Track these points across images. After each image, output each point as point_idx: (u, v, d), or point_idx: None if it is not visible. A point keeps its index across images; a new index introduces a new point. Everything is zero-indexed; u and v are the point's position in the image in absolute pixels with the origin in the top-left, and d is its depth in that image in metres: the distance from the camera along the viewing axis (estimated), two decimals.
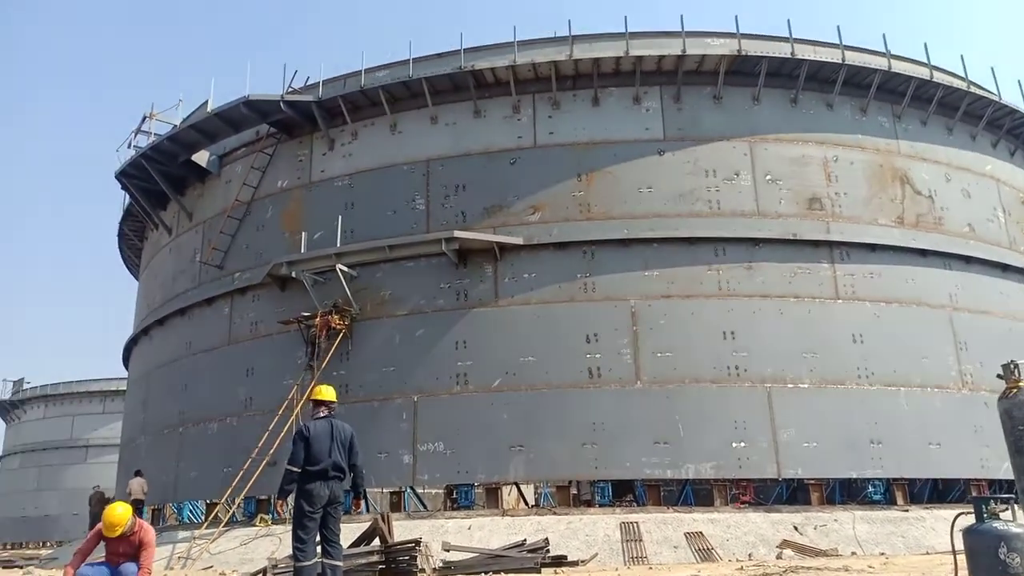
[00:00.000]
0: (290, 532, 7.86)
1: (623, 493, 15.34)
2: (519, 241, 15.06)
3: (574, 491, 15.93)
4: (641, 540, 12.08)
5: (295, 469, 7.46)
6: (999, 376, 8.54)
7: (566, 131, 15.90)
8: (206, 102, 18.32)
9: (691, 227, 15.00)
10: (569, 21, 15.94)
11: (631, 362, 14.30)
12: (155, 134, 19.49)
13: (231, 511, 14.98)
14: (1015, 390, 8.11)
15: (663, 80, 16.03)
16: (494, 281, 15.15)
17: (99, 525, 7.08)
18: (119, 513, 6.98)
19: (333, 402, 7.96)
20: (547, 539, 11.62)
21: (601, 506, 13.82)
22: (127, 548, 7.10)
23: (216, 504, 15.54)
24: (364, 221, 16.16)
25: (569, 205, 15.34)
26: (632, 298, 14.68)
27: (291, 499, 7.71)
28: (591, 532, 12.47)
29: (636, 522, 12.58)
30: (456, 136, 16.32)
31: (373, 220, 16.10)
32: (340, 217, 16.03)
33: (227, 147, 19.07)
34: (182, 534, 14.97)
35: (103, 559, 7.21)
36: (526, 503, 20.01)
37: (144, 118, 19.97)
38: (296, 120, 17.39)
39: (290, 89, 17.32)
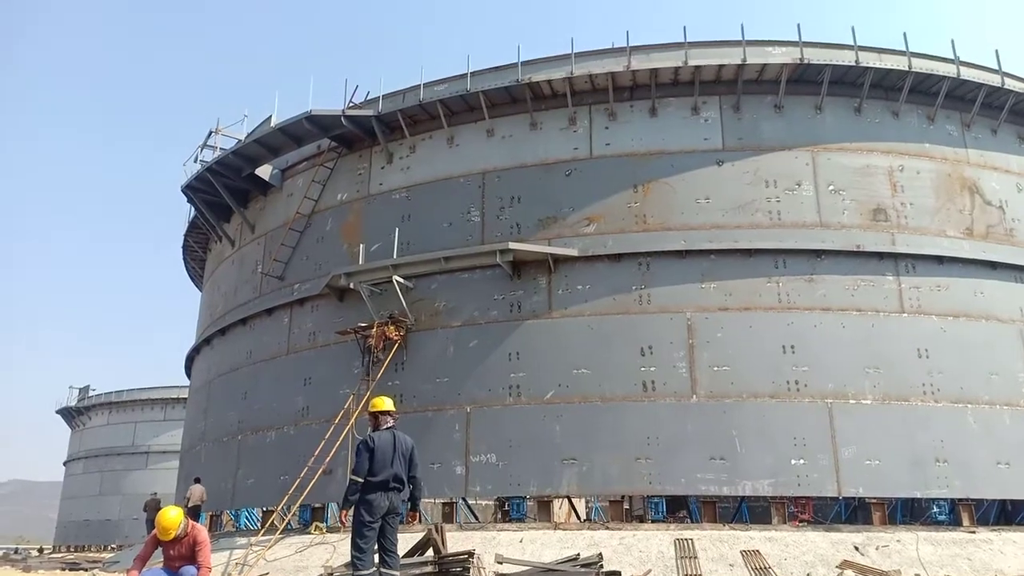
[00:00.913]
0: (344, 540, 7.99)
1: (676, 509, 15.12)
2: (574, 252, 15.01)
3: (626, 506, 15.74)
4: (696, 557, 11.84)
5: (359, 479, 7.56)
6: None
7: (622, 142, 15.83)
8: (270, 117, 18.81)
9: (750, 238, 14.75)
10: (627, 32, 15.89)
11: (687, 375, 14.09)
12: (220, 148, 20.08)
13: (287, 519, 15.21)
14: None
15: (722, 90, 15.85)
16: (548, 293, 15.13)
17: (155, 530, 7.29)
18: (171, 517, 7.16)
19: (396, 412, 8.07)
20: (600, 554, 11.50)
21: (654, 522, 13.63)
22: (182, 550, 7.27)
23: (272, 511, 15.79)
24: (420, 233, 16.35)
25: (625, 216, 15.24)
26: (688, 310, 14.49)
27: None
28: (645, 548, 12.28)
29: (691, 539, 12.35)
30: (512, 148, 16.40)
31: (429, 232, 16.27)
32: (397, 229, 16.24)
33: (289, 161, 19.55)
34: (239, 540, 15.25)
35: (162, 564, 7.40)
36: (578, 517, 19.83)
37: (210, 133, 20.61)
38: (356, 134, 17.74)
39: (351, 104, 17.67)
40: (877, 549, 12.39)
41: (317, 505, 15.78)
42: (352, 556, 7.66)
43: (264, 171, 19.51)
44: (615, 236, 15.10)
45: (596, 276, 15.00)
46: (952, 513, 13.81)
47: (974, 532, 13.19)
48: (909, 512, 15.58)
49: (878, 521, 13.53)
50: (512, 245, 15.00)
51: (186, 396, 26.89)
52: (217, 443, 19.18)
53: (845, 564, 11.73)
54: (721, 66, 15.51)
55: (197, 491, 18.09)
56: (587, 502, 21.75)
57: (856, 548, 12.39)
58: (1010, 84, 16.55)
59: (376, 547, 7.74)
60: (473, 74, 16.68)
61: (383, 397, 8.28)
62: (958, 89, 16.14)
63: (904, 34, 15.83)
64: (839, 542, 12.58)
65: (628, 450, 13.81)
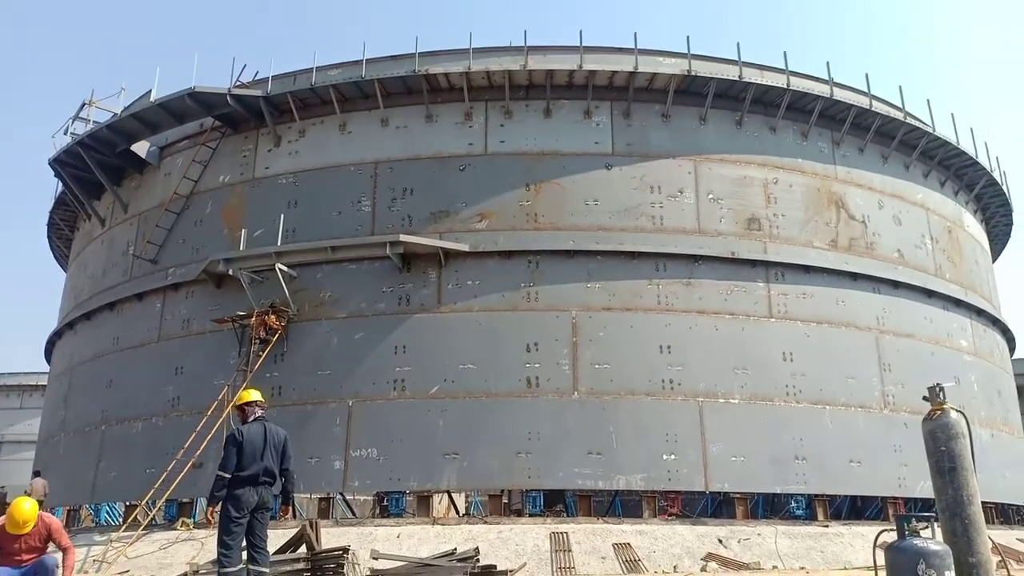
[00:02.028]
0: (212, 536, 7.70)
1: (554, 503, 15.40)
2: (465, 248, 15.02)
3: (505, 500, 15.93)
4: (570, 551, 12.11)
5: (226, 475, 7.32)
6: (924, 399, 8.84)
7: (517, 140, 15.96)
8: (149, 92, 17.83)
9: (634, 241, 15.19)
10: (525, 31, 16.07)
11: (569, 372, 14.37)
12: (94, 122, 18.88)
13: (152, 514, 14.51)
14: (939, 412, 8.42)
15: (614, 95, 16.24)
16: (438, 287, 15.07)
17: None
18: (27, 509, 6.71)
19: (263, 402, 7.87)
20: (477, 548, 11.56)
21: (532, 516, 13.84)
22: (32, 542, 6.83)
23: (136, 506, 15.02)
24: (307, 221, 15.91)
25: (516, 214, 15.38)
26: (574, 309, 14.78)
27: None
28: (521, 542, 12.46)
29: (566, 532, 12.62)
30: (406, 139, 16.22)
31: (317, 220, 15.86)
32: (283, 215, 15.74)
33: (169, 139, 18.59)
34: (98, 537, 14.41)
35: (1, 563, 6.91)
36: (457, 512, 19.89)
37: (83, 105, 19.37)
38: (242, 115, 17.05)
39: (238, 83, 16.97)
40: (739, 542, 13.05)
41: (185, 500, 15.10)
42: (218, 553, 7.40)
43: (141, 148, 18.48)
44: (506, 233, 15.21)
45: (486, 272, 15.06)
46: (809, 508, 14.71)
47: (827, 526, 14.11)
48: (770, 507, 16.47)
49: (741, 515, 14.26)
50: (403, 237, 14.85)
51: (45, 383, 25.13)
52: (78, 433, 18.02)
53: (710, 556, 12.31)
54: (614, 72, 15.89)
55: (39, 485, 16.96)
56: (467, 496, 21.85)
57: (720, 541, 13.02)
58: (877, 107, 17.77)
59: (245, 544, 7.51)
60: (368, 61, 16.38)
61: (250, 389, 8.09)
62: (830, 109, 17.18)
63: (784, 53, 16.75)
64: (705, 535, 13.17)
65: (510, 445, 13.96)
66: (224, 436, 13.50)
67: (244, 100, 16.63)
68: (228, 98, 16.50)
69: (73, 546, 7.05)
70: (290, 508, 8.19)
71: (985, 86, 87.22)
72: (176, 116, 17.52)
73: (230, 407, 13.97)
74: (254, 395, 7.91)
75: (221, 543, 7.34)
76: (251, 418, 7.72)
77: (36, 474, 17.57)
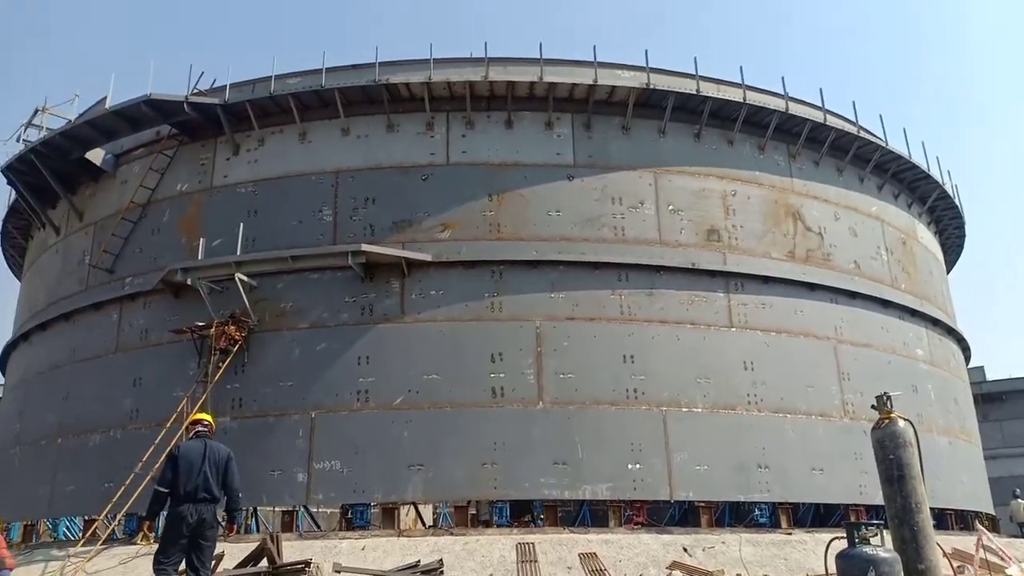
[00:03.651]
0: None
1: (521, 513, 15.39)
2: (428, 258, 14.99)
3: (473, 511, 15.87)
4: (536, 561, 12.11)
5: (162, 490, 7.44)
6: (872, 407, 9.06)
7: (479, 151, 15.99)
8: (104, 98, 17.53)
9: (597, 252, 15.31)
10: (485, 43, 16.07)
11: (534, 382, 14.40)
12: (47, 128, 18.49)
13: (111, 528, 14.19)
14: (887, 421, 8.62)
15: (575, 108, 16.37)
16: (400, 297, 15.01)
17: None
18: None
19: (207, 421, 8.02)
20: (441, 560, 11.54)
21: (499, 526, 13.81)
22: None
23: (95, 520, 14.68)
24: (267, 230, 15.74)
25: (479, 224, 15.40)
26: (538, 319, 14.83)
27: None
28: (487, 553, 12.42)
29: (532, 543, 12.62)
30: (368, 149, 16.16)
31: (277, 229, 15.70)
32: (242, 224, 15.53)
33: (124, 146, 18.25)
34: (56, 552, 14.05)
35: None
36: (423, 523, 19.76)
37: (36, 111, 18.96)
38: (200, 122, 16.83)
39: (195, 91, 16.77)
40: (704, 550, 13.17)
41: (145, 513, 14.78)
42: (153, 569, 7.36)
43: (96, 155, 18.11)
44: (469, 243, 15.22)
45: (449, 282, 15.04)
46: (773, 516, 14.86)
47: (791, 534, 14.29)
48: (734, 515, 16.65)
49: (706, 523, 14.38)
50: (365, 247, 14.77)
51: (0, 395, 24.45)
52: (33, 446, 17.54)
53: (674, 565, 12.39)
54: (574, 85, 16.03)
55: None
56: (435, 508, 21.73)
57: (685, 549, 13.12)
58: (832, 121, 18.18)
59: (185, 564, 7.45)
60: (328, 70, 16.30)
61: (201, 412, 8.31)
62: (786, 123, 17.51)
63: (740, 68, 17.06)
64: (670, 544, 13.26)
65: (475, 456, 13.93)
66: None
67: (201, 108, 16.42)
68: (185, 106, 16.27)
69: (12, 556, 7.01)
70: (235, 527, 8.25)
71: (939, 101, 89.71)
72: (132, 123, 17.23)
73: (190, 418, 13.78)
74: (201, 416, 8.12)
75: (155, 560, 7.34)
76: (197, 432, 7.83)
77: None
